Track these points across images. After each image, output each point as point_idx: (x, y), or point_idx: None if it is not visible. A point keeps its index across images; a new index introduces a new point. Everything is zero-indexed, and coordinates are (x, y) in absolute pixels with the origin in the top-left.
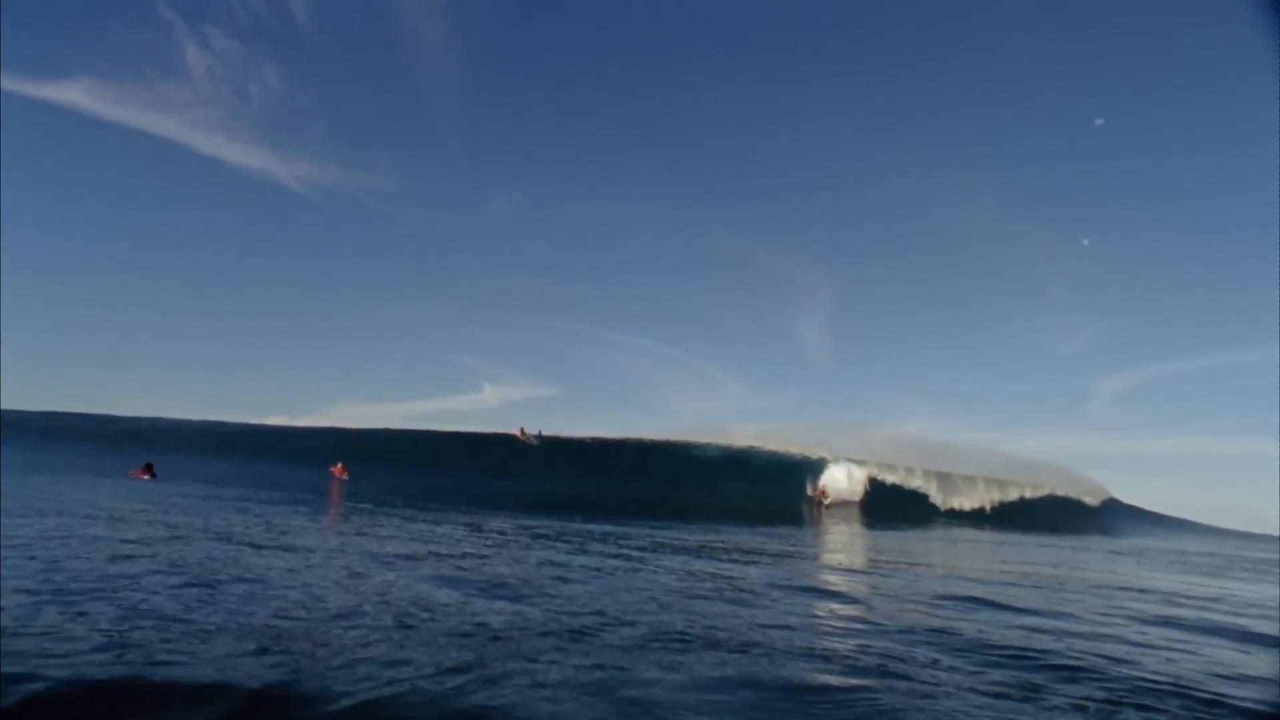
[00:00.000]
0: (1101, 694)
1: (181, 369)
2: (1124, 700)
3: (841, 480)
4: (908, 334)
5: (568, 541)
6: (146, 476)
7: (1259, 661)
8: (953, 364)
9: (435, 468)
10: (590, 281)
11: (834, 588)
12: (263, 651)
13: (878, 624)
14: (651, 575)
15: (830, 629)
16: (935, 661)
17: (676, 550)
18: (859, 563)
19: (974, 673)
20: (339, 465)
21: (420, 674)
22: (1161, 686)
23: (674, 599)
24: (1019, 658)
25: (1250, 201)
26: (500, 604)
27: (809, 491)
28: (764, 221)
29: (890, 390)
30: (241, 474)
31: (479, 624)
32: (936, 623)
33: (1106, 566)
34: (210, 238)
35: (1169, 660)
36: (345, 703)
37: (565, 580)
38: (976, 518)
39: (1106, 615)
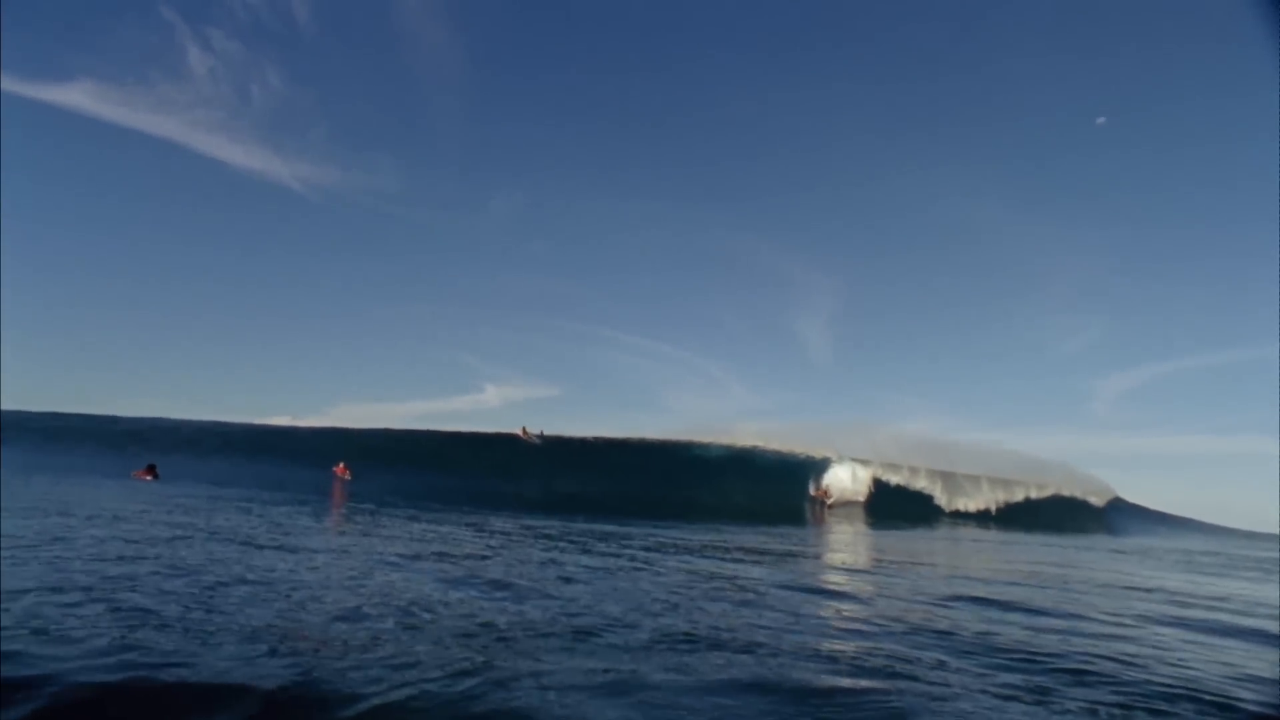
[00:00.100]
0: (1113, 697)
1: (184, 369)
2: (1136, 704)
3: (845, 480)
4: (910, 333)
5: (571, 541)
6: (149, 477)
7: (1269, 663)
8: (955, 363)
9: (438, 468)
10: (592, 281)
11: (839, 588)
12: (272, 653)
13: (884, 625)
14: (655, 575)
15: (836, 630)
16: (943, 663)
17: (680, 550)
18: (863, 563)
19: (982, 675)
20: (341, 465)
21: (429, 676)
22: (1173, 689)
23: (678, 599)
24: (1028, 659)
25: (1252, 199)
26: (505, 604)
27: (812, 491)
28: (766, 221)
29: (893, 390)
30: (244, 474)
31: (484, 624)
32: (943, 624)
33: (1112, 566)
34: (212, 238)
35: (1179, 662)
36: (361, 706)
37: (569, 580)
38: (981, 518)
39: (1114, 615)
